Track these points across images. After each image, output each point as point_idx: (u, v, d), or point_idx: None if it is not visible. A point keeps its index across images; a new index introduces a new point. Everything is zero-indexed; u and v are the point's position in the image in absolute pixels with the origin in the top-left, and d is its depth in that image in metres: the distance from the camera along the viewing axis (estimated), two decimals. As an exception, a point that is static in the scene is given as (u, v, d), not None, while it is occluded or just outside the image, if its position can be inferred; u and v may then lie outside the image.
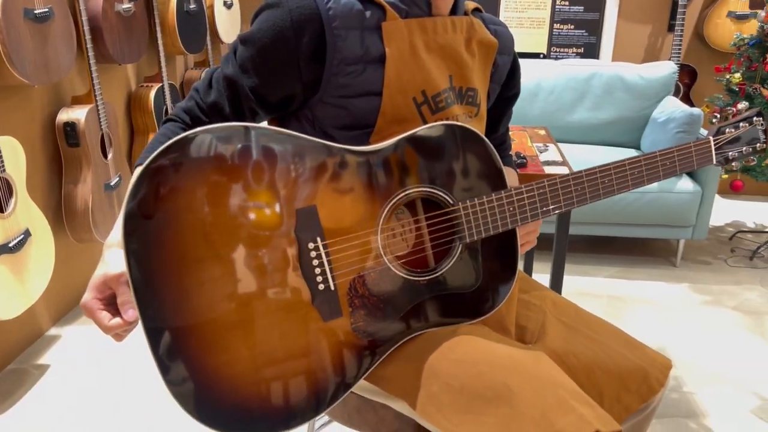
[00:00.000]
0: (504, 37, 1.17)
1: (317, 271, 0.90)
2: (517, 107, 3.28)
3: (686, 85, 3.83)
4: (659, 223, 2.90)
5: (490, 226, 0.99)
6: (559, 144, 3.31)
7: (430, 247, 1.02)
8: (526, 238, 1.15)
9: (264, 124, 1.06)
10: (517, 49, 3.81)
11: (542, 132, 2.19)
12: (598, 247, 3.23)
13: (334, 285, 0.91)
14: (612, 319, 2.52)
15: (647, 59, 3.89)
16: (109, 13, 2.42)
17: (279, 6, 0.95)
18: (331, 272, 0.91)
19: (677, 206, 2.84)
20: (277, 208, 0.87)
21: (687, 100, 3.84)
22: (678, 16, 3.57)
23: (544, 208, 1.00)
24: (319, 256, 0.90)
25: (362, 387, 1.04)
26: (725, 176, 3.08)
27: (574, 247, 3.22)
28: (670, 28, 3.82)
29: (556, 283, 1.85)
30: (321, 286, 0.90)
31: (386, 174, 0.94)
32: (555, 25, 3.80)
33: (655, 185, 2.84)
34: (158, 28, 2.84)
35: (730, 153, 1.10)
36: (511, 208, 0.99)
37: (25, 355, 2.25)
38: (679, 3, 3.55)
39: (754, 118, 1.11)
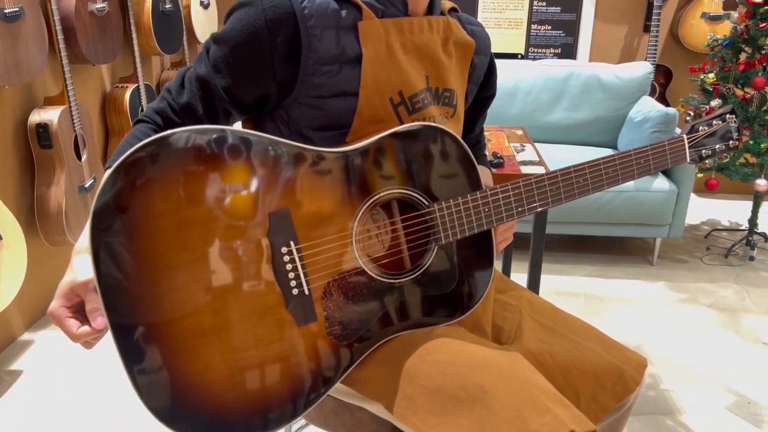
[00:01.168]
0: (481, 37, 1.17)
1: (291, 275, 0.89)
2: (495, 107, 3.29)
3: (662, 85, 3.87)
4: (636, 222, 2.93)
5: (466, 228, 0.99)
6: (537, 144, 3.33)
7: (406, 249, 1.01)
8: (503, 235, 1.15)
9: (238, 125, 1.05)
10: (495, 49, 3.82)
11: (519, 132, 2.20)
12: (576, 246, 3.25)
13: (309, 289, 0.90)
14: (589, 317, 2.54)
15: (623, 60, 3.93)
16: (83, 12, 2.38)
17: (252, 5, 0.94)
18: (305, 276, 0.89)
19: (654, 205, 2.87)
20: (250, 211, 0.86)
21: (663, 100, 3.89)
22: (653, 17, 3.61)
23: (520, 209, 1.00)
24: (292, 261, 0.88)
25: (338, 390, 1.03)
26: (700, 175, 3.12)
27: (551, 247, 3.24)
28: (646, 28, 3.86)
29: (534, 283, 1.86)
30: (295, 291, 0.89)
31: (361, 176, 0.93)
32: (532, 25, 3.82)
33: (631, 184, 2.87)
34: (133, 29, 2.80)
35: (703, 150, 1.11)
36: (486, 209, 0.99)
37: (-2, 360, 2.21)
38: (655, 4, 3.59)
39: (727, 116, 1.12)
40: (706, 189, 3.04)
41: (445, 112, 1.09)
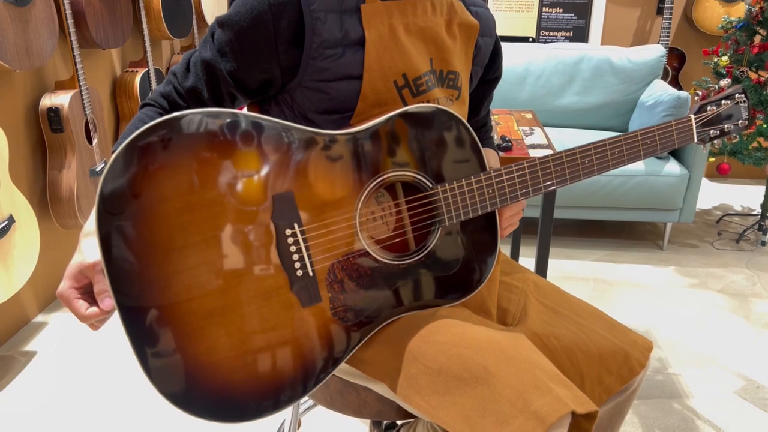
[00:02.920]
0: (485, 19, 1.16)
1: (295, 257, 0.89)
2: (506, 91, 3.27)
3: (675, 69, 3.83)
4: (646, 207, 2.91)
5: (470, 209, 0.99)
6: (547, 128, 3.31)
7: (410, 230, 1.01)
8: (510, 220, 1.15)
9: (244, 109, 1.05)
10: (506, 32, 3.79)
11: (529, 116, 2.19)
12: (585, 231, 3.24)
13: (313, 271, 0.91)
14: (598, 302, 2.53)
15: (636, 43, 3.89)
16: (92, -4, 2.39)
17: None
18: (309, 258, 0.90)
19: (664, 189, 2.85)
20: (255, 194, 0.86)
21: (675, 83, 3.84)
22: (666, 0, 3.56)
23: (524, 190, 1.00)
24: (296, 243, 0.89)
25: (343, 370, 1.04)
26: (712, 159, 3.09)
27: (561, 231, 3.24)
28: (659, 11, 3.81)
29: (541, 267, 1.85)
30: (299, 273, 0.90)
31: (364, 158, 0.93)
32: (544, 8, 3.78)
33: (641, 168, 2.85)
34: (143, 13, 2.80)
35: (711, 131, 1.10)
36: (490, 191, 0.99)
37: (12, 342, 2.24)
38: (668, -14, 3.54)
39: (737, 95, 1.10)
40: (718, 173, 3.01)
41: (449, 94, 1.08)
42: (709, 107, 1.09)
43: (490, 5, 3.78)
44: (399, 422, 1.23)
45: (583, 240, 3.13)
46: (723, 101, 1.10)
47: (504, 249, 2.88)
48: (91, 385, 2.01)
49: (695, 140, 1.09)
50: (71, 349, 2.20)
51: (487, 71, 1.22)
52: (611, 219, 2.97)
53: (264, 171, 0.87)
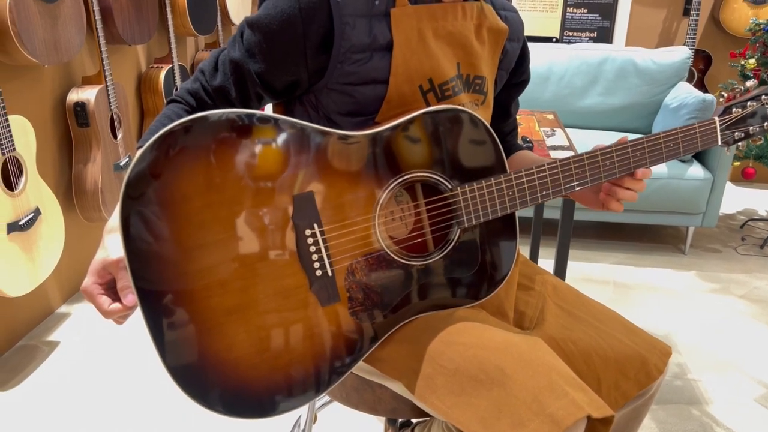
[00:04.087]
0: (514, 23, 1.16)
1: (314, 257, 0.90)
2: (528, 91, 3.25)
3: (701, 71, 3.78)
4: (668, 210, 2.88)
5: (489, 211, 0.99)
6: (569, 129, 3.29)
7: (429, 231, 1.02)
8: (635, 185, 1.05)
9: (269, 108, 1.06)
10: (530, 32, 3.77)
11: (551, 117, 2.18)
12: (607, 234, 3.22)
13: (332, 271, 0.92)
14: (617, 305, 2.52)
15: (661, 44, 3.84)
16: (119, -7, 2.42)
17: None
18: (328, 258, 0.91)
19: (687, 193, 2.82)
20: (275, 195, 0.87)
21: (701, 85, 3.80)
22: (694, 1, 3.51)
23: (544, 192, 1.00)
24: (316, 243, 0.90)
25: (360, 367, 1.05)
26: (737, 164, 3.05)
27: (582, 233, 3.22)
28: (686, 12, 3.76)
29: (560, 269, 1.85)
30: (318, 272, 0.91)
31: (384, 159, 0.94)
32: (568, 8, 3.76)
33: (664, 172, 2.82)
34: (168, 10, 2.84)
35: (736, 133, 1.08)
36: (510, 193, 0.99)
37: (36, 331, 2.29)
38: (695, -13, 3.50)
39: (763, 97, 1.09)
40: (743, 178, 2.98)
41: (475, 99, 1.08)
42: (734, 109, 1.08)
43: (515, 4, 3.76)
44: (414, 420, 1.24)
45: (604, 242, 3.11)
46: (749, 103, 1.08)
47: (523, 250, 2.87)
48: (112, 376, 2.05)
49: (719, 143, 1.08)
50: (93, 340, 2.24)
51: (514, 75, 1.22)
52: (633, 222, 2.95)
53: (285, 172, 0.88)
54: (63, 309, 2.44)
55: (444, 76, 1.01)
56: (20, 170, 1.92)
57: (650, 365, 1.06)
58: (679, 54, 3.17)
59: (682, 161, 2.90)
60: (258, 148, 0.86)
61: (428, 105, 1.00)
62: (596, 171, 1.01)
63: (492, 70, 1.13)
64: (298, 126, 0.89)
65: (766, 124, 1.10)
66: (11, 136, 1.86)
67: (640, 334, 1.10)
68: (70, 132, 2.35)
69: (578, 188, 1.02)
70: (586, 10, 3.76)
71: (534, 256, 2.37)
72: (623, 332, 1.10)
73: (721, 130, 1.07)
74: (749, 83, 1.12)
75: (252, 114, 0.86)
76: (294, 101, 1.05)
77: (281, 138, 0.88)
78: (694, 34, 3.58)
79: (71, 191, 2.41)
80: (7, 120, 1.83)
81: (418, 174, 0.96)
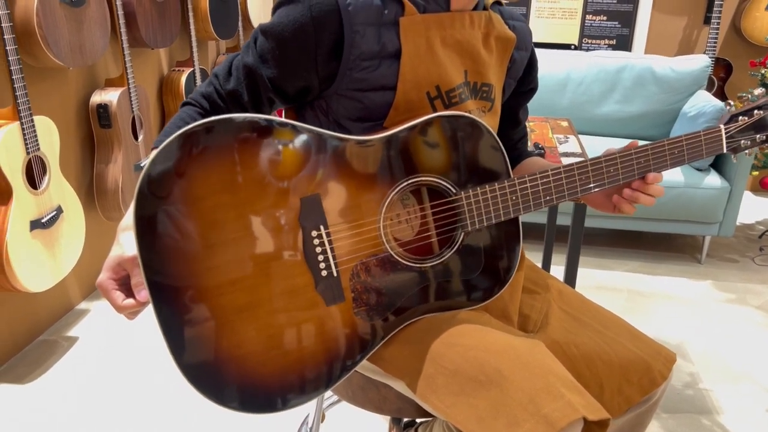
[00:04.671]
0: (522, 33, 1.18)
1: (320, 258, 0.93)
2: (545, 98, 3.26)
3: (721, 80, 3.76)
4: (684, 219, 2.87)
5: (492, 215, 1.01)
6: (586, 136, 3.29)
7: (434, 234, 1.04)
8: (650, 190, 1.06)
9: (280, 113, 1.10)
10: (548, 39, 3.78)
11: (565, 124, 2.19)
12: (622, 242, 3.21)
13: (337, 271, 0.94)
14: (630, 313, 2.51)
15: (681, 52, 3.82)
16: (143, -2, 2.48)
17: (300, 1, 0.97)
18: (333, 259, 0.94)
19: (704, 202, 2.80)
20: (284, 197, 0.90)
21: (721, 94, 3.77)
22: (715, 9, 3.50)
23: (548, 197, 1.02)
24: (321, 244, 0.93)
25: (364, 366, 1.07)
26: (756, 173, 3.02)
27: (596, 241, 3.21)
28: (707, 20, 3.74)
29: (571, 275, 1.86)
30: (324, 273, 0.93)
31: (390, 163, 0.96)
32: (587, 16, 3.76)
33: (681, 180, 2.81)
34: (191, 14, 2.89)
35: (742, 141, 1.09)
36: (513, 198, 1.01)
37: (56, 327, 2.34)
38: (716, -5, 3.48)
39: None
40: (762, 188, 2.95)
41: (482, 106, 1.11)
42: (740, 117, 1.09)
43: (533, 12, 3.77)
44: (418, 420, 1.26)
45: (619, 250, 3.10)
46: (755, 111, 1.09)
47: (536, 257, 2.88)
48: (129, 372, 2.09)
49: (725, 150, 1.08)
50: (111, 337, 2.29)
51: (522, 83, 1.24)
52: (648, 230, 2.94)
53: (293, 175, 0.90)
54: (83, 305, 2.49)
55: (451, 84, 1.04)
56: (44, 169, 1.98)
57: (654, 371, 1.07)
58: (699, 62, 3.15)
59: (699, 170, 2.89)
60: (267, 153, 0.89)
61: (435, 111, 1.03)
62: (600, 177, 1.03)
63: (500, 78, 1.15)
64: (306, 130, 0.91)
65: None
66: (36, 136, 1.91)
67: (645, 341, 1.11)
68: (92, 133, 2.41)
69: (581, 194, 1.03)
70: (605, 18, 3.75)
71: (547, 262, 2.38)
72: (628, 338, 1.11)
73: (726, 138, 1.08)
74: (758, 91, 1.13)
75: (263, 119, 0.89)
76: (305, 106, 1.08)
77: (289, 142, 0.90)
78: (715, 42, 3.55)
79: (93, 190, 2.46)
80: (32, 120, 1.89)
81: (422, 178, 0.98)
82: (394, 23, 1.00)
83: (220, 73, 1.06)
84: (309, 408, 1.37)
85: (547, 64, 3.25)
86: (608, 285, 2.75)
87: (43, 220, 1.95)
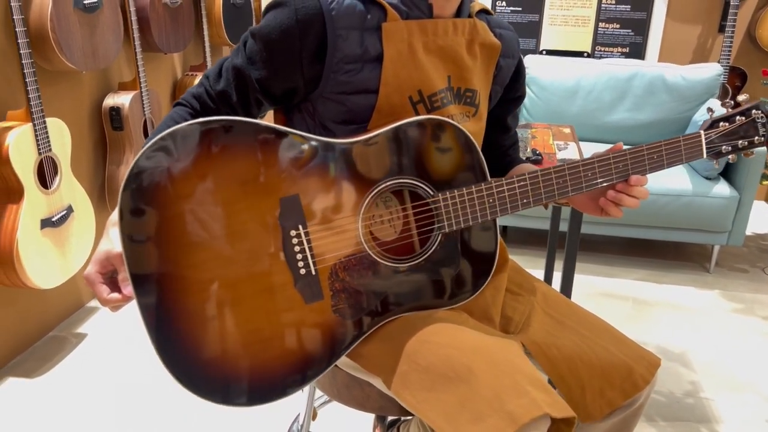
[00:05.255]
0: (508, 40, 1.20)
1: (299, 256, 0.96)
2: (554, 104, 3.27)
3: (736, 88, 3.73)
4: (693, 228, 2.85)
5: (470, 217, 1.03)
6: (595, 144, 3.29)
7: (412, 235, 1.06)
8: (633, 191, 1.07)
9: (270, 114, 1.13)
10: (560, 47, 3.78)
11: (567, 130, 2.20)
12: (629, 250, 3.19)
13: (315, 270, 0.97)
14: (634, 321, 2.50)
15: (695, 60, 3.80)
16: (157, 4, 2.54)
17: (286, 5, 1.01)
18: (312, 258, 0.97)
19: (712, 211, 2.78)
20: (264, 197, 0.93)
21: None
22: (729, 17, 3.47)
23: (525, 200, 1.04)
24: (300, 243, 0.96)
25: (344, 363, 1.10)
26: (766, 183, 2.99)
27: (605, 249, 3.20)
28: (721, 29, 3.72)
29: (567, 281, 1.86)
30: (302, 271, 0.96)
31: (368, 165, 0.99)
32: (600, 23, 3.75)
33: (689, 188, 2.79)
34: (204, 20, 2.95)
35: (723, 147, 1.10)
36: (490, 200, 1.03)
37: (66, 323, 2.40)
38: (731, 4, 3.46)
39: (753, 111, 1.10)
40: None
41: (465, 111, 1.13)
42: (721, 123, 1.10)
43: (546, 19, 3.78)
44: (403, 419, 1.28)
45: (626, 258, 3.09)
46: (737, 117, 1.10)
47: (539, 263, 2.88)
48: (136, 369, 2.14)
49: (704, 156, 1.09)
50: (119, 334, 2.34)
51: (509, 90, 1.26)
52: (656, 238, 2.92)
53: (273, 175, 0.94)
54: (92, 303, 2.55)
55: (433, 88, 1.06)
56: (55, 170, 2.04)
57: (636, 375, 1.08)
58: (710, 71, 3.14)
59: (708, 179, 2.87)
60: (248, 154, 0.92)
61: (417, 115, 1.05)
62: (578, 181, 1.05)
63: (485, 84, 1.17)
64: (287, 133, 0.95)
65: (755, 138, 1.11)
66: (48, 137, 1.97)
67: (629, 345, 1.12)
68: (105, 135, 2.47)
69: (559, 197, 1.05)
70: (618, 26, 3.75)
71: (549, 269, 2.38)
72: (611, 342, 1.11)
73: (706, 144, 1.09)
74: (741, 98, 1.14)
75: (244, 122, 0.92)
76: (293, 109, 1.11)
77: (270, 144, 0.94)
78: (729, 50, 3.53)
79: (104, 191, 2.52)
80: (44, 122, 1.95)
81: (400, 180, 1.01)
82: (377, 28, 1.03)
83: (210, 75, 1.10)
84: (300, 406, 1.40)
85: (558, 71, 3.26)
86: (614, 293, 2.74)
87: (53, 219, 2.01)
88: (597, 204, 1.12)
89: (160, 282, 0.90)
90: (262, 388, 0.95)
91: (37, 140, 1.94)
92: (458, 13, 1.11)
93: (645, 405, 1.14)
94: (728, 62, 3.55)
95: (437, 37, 1.07)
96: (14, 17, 1.81)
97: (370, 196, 0.99)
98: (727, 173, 2.94)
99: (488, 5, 3.82)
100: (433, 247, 1.04)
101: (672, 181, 2.84)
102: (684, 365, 2.22)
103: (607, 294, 2.72)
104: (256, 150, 0.93)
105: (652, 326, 2.48)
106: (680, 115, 3.16)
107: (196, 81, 2.93)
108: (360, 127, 1.06)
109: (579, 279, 2.86)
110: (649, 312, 2.59)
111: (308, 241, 0.96)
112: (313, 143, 0.96)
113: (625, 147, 1.06)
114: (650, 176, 2.85)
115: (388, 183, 1.00)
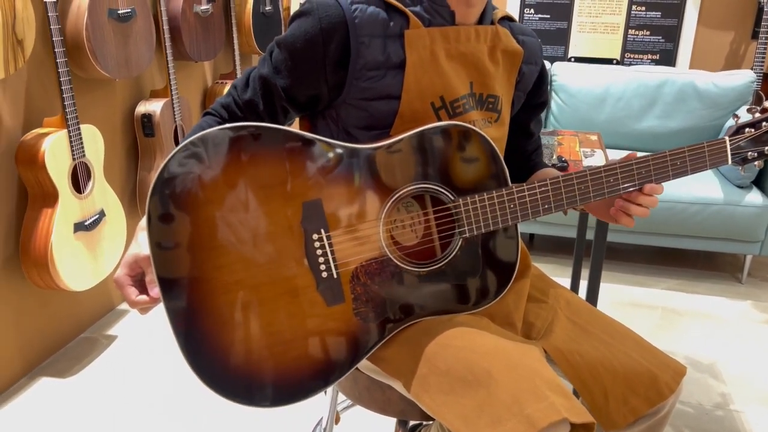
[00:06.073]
0: (531, 47, 1.21)
1: (321, 260, 0.98)
2: (583, 112, 3.24)
3: (770, 96, 3.66)
4: (724, 237, 2.80)
5: (490, 222, 1.03)
6: (624, 151, 3.25)
7: (433, 239, 1.07)
8: (643, 200, 1.07)
9: (296, 121, 1.16)
10: (589, 54, 3.76)
11: (594, 138, 2.18)
12: (659, 259, 3.15)
13: (337, 273, 0.98)
14: (663, 330, 2.47)
15: (728, 67, 3.74)
16: (188, 13, 2.60)
17: (310, 14, 1.03)
18: (333, 261, 0.98)
19: (744, 220, 2.73)
20: (287, 201, 0.95)
21: (770, 110, 3.66)
22: (763, 24, 3.41)
23: (546, 206, 1.04)
24: (322, 247, 0.97)
25: (366, 366, 1.11)
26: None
27: (634, 257, 3.16)
28: (754, 35, 3.66)
29: (593, 289, 1.85)
30: (324, 274, 0.98)
31: (390, 170, 1.00)
32: (630, 30, 3.72)
33: (720, 197, 2.75)
34: (234, 29, 3.01)
35: (749, 153, 1.09)
36: (511, 206, 1.03)
37: (97, 325, 2.46)
38: (765, 9, 3.40)
39: None
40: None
41: (487, 116, 1.13)
42: (747, 129, 1.09)
43: (575, 26, 3.76)
44: (424, 423, 1.28)
45: (656, 267, 3.05)
46: (764, 123, 1.09)
47: (566, 271, 2.86)
48: (164, 370, 2.18)
49: (729, 162, 1.08)
50: (149, 336, 2.38)
51: (532, 96, 1.26)
52: (686, 247, 2.88)
53: (296, 180, 0.96)
54: (122, 306, 2.60)
55: (455, 94, 1.07)
56: (88, 175, 2.09)
57: (661, 383, 1.06)
58: (743, 77, 3.09)
59: (740, 187, 2.82)
60: (272, 159, 0.94)
61: (440, 120, 1.06)
62: (599, 187, 1.04)
63: (508, 90, 1.17)
64: (311, 139, 0.97)
65: None
66: (82, 143, 2.03)
67: (653, 352, 1.11)
68: (137, 141, 2.53)
69: (581, 203, 1.05)
70: (648, 33, 3.71)
71: (576, 276, 2.36)
72: (635, 349, 1.10)
73: (732, 150, 1.08)
74: (767, 103, 1.12)
75: (268, 128, 0.94)
76: (317, 116, 1.14)
77: (293, 150, 0.96)
78: (763, 57, 3.47)
79: (135, 195, 2.58)
80: (78, 128, 2.00)
81: (421, 185, 1.02)
82: (400, 35, 1.04)
83: (238, 85, 1.12)
84: (323, 410, 1.41)
85: (586, 78, 3.24)
86: (643, 302, 2.70)
87: (86, 223, 2.06)
88: (610, 212, 1.12)
89: (185, 284, 0.92)
90: (284, 390, 0.97)
91: (72, 146, 1.99)
92: (481, 20, 1.12)
93: (670, 414, 1.13)
94: (762, 69, 3.49)
95: (459, 43, 1.08)
96: (51, 27, 1.87)
97: (391, 201, 1.00)
98: (760, 181, 2.89)
99: (516, 13, 3.82)
100: (454, 252, 1.04)
101: (703, 189, 2.80)
102: (714, 377, 2.18)
103: (636, 303, 2.69)
104: (280, 156, 0.95)
105: (682, 336, 2.44)
106: (712, 123, 3.12)
107: (226, 89, 2.99)
108: (382, 132, 1.07)
109: (608, 288, 2.83)
110: (678, 322, 2.55)
111: (330, 245, 0.98)
112: (336, 149, 0.98)
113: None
114: (681, 185, 2.81)
115: (409, 188, 1.01)
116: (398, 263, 1.02)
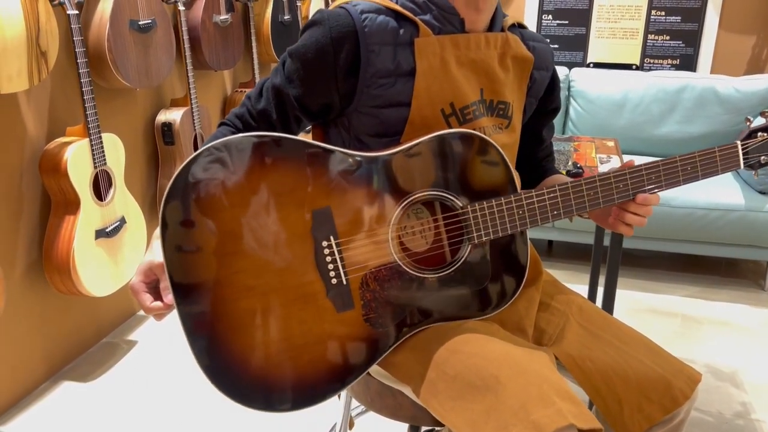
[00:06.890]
0: (542, 53, 1.21)
1: (330, 267, 0.99)
2: (601, 118, 3.23)
3: (794, 100, 3.60)
4: (745, 243, 2.76)
5: (499, 229, 1.04)
6: (644, 157, 3.23)
7: (442, 246, 1.08)
8: (638, 209, 1.07)
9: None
10: (608, 59, 3.74)
11: (610, 144, 2.17)
12: (679, 266, 3.11)
13: (347, 280, 1.00)
14: (681, 338, 2.44)
15: (750, 72, 3.69)
16: (208, 23, 2.64)
17: (321, 24, 1.05)
18: (343, 268, 0.99)
19: (766, 226, 2.69)
20: (297, 209, 0.97)
21: (793, 115, 3.61)
22: (785, 27, 3.37)
23: (555, 212, 1.04)
24: (332, 254, 0.99)
25: (376, 371, 1.12)
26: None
27: (654, 264, 3.13)
28: (777, 39, 3.60)
29: (609, 297, 1.84)
30: (334, 281, 0.99)
31: (399, 177, 1.01)
32: (649, 35, 3.70)
33: (741, 203, 2.71)
34: (253, 38, 3.04)
35: (762, 157, 1.08)
36: (520, 212, 1.04)
37: (118, 330, 2.50)
38: (787, 13, 3.36)
39: None
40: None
41: (498, 123, 1.14)
42: (760, 133, 1.08)
43: (593, 32, 3.74)
44: (436, 429, 1.29)
45: (675, 274, 3.01)
46: None
47: (583, 278, 2.83)
48: (183, 374, 2.21)
49: (741, 167, 1.08)
50: (168, 341, 2.42)
51: (544, 102, 1.27)
52: (706, 254, 2.84)
53: (306, 188, 0.97)
54: (142, 312, 2.63)
55: (465, 101, 1.08)
56: (110, 182, 2.13)
57: (675, 390, 1.05)
58: (765, 82, 3.05)
59: (762, 193, 2.78)
60: (282, 168, 0.96)
61: (450, 127, 1.07)
62: (609, 192, 1.04)
63: (519, 96, 1.18)
64: (320, 148, 0.98)
65: None
66: (103, 151, 2.07)
67: (667, 359, 1.10)
68: (157, 149, 2.57)
69: (590, 209, 1.05)
70: (668, 37, 3.68)
71: (594, 284, 2.35)
72: (648, 355, 1.09)
73: (743, 155, 1.07)
74: None
75: (280, 137, 0.96)
76: (329, 124, 1.15)
77: (303, 158, 0.97)
78: (786, 61, 3.42)
79: (155, 204, 2.62)
80: (100, 137, 2.05)
81: (429, 192, 1.03)
82: (410, 43, 1.06)
83: (252, 95, 1.15)
84: (337, 416, 1.42)
85: (604, 84, 3.22)
86: (662, 309, 2.67)
87: (107, 230, 2.10)
88: (608, 221, 1.12)
89: (198, 290, 0.94)
90: (297, 395, 0.98)
91: (93, 154, 2.03)
92: (491, 28, 1.13)
93: (685, 422, 1.12)
94: (785, 73, 3.44)
95: (469, 50, 1.09)
96: (74, 39, 1.91)
97: (400, 208, 1.01)
98: (783, 187, 2.85)
99: (534, 19, 3.82)
100: (463, 259, 1.05)
101: (724, 195, 2.76)
102: (734, 385, 2.15)
103: (654, 310, 2.66)
104: (291, 164, 0.97)
105: (702, 344, 2.41)
106: (734, 128, 3.08)
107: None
108: (393, 139, 1.09)
109: (625, 294, 2.80)
110: (698, 329, 2.51)
111: (339, 252, 0.99)
112: (347, 157, 0.99)
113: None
114: (701, 191, 2.78)
115: (418, 195, 1.02)
116: (407, 269, 1.02)
